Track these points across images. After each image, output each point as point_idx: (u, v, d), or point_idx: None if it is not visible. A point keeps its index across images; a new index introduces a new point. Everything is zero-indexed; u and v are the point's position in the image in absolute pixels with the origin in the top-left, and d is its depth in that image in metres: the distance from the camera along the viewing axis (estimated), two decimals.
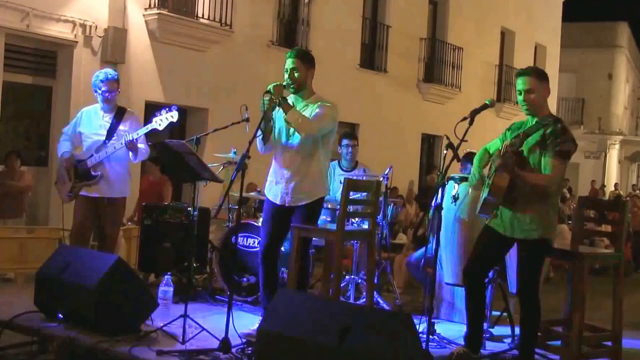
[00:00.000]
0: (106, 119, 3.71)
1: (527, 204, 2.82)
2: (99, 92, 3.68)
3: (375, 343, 2.25)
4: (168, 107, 3.56)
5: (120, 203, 3.74)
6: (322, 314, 2.44)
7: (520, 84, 2.87)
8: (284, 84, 3.08)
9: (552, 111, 3.02)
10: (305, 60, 3.14)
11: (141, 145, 3.64)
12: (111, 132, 3.65)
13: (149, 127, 3.55)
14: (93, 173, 3.63)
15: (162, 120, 3.51)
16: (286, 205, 3.16)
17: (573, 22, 16.14)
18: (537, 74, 2.88)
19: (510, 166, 2.78)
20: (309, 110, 3.13)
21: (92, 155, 3.65)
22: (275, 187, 3.20)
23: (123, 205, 3.79)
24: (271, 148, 3.21)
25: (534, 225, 2.82)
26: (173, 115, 3.51)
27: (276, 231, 3.23)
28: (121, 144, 3.57)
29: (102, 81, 3.66)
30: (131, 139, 3.53)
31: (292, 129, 3.09)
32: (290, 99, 3.19)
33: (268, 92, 2.99)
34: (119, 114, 3.71)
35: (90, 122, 3.73)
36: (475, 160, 3.07)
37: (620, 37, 18.24)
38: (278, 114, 3.16)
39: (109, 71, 3.76)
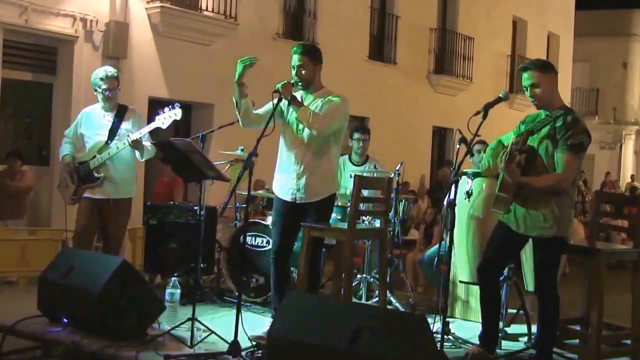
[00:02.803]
0: (108, 119, 3.64)
1: (540, 200, 2.74)
2: (99, 90, 3.61)
3: (388, 345, 2.19)
4: (171, 104, 3.50)
5: (126, 204, 3.68)
6: (333, 317, 2.38)
7: (524, 79, 2.80)
8: (292, 81, 3.00)
9: (566, 101, 2.92)
10: (312, 55, 3.07)
11: (146, 143, 3.58)
12: (113, 132, 3.59)
13: (153, 125, 3.49)
14: (96, 175, 3.57)
15: (166, 119, 3.46)
16: (297, 202, 3.09)
17: (586, 10, 15.82)
18: (540, 67, 2.79)
19: (514, 178, 2.69)
20: (318, 105, 3.07)
21: (94, 157, 3.58)
22: (284, 184, 3.14)
23: (129, 207, 3.72)
24: (248, 125, 3.12)
25: (548, 223, 2.74)
26: (177, 113, 3.46)
27: (288, 229, 3.17)
28: (124, 144, 3.51)
29: (101, 79, 3.59)
30: (136, 138, 3.47)
31: (302, 125, 3.02)
32: (299, 93, 3.12)
33: (277, 91, 2.91)
34: (121, 113, 3.64)
35: (92, 122, 3.67)
36: (488, 150, 3.01)
37: (635, 25, 17.88)
38: (288, 108, 3.08)
39: (108, 69, 3.69)
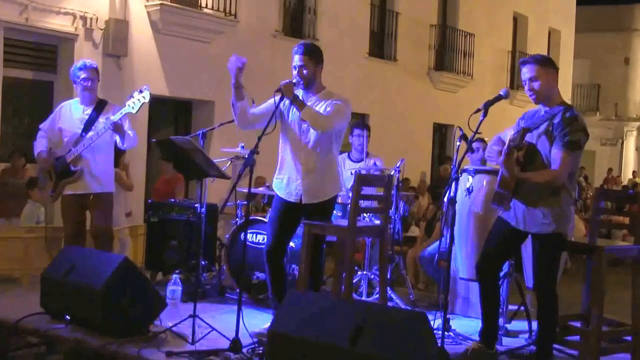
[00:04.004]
0: (86, 112, 3.56)
1: (540, 197, 2.74)
2: (78, 81, 3.53)
3: (389, 342, 2.20)
4: (140, 89, 3.44)
5: (108, 197, 3.60)
6: (334, 314, 2.39)
7: (524, 72, 2.79)
8: (293, 81, 3.01)
9: (566, 98, 2.92)
10: (313, 55, 3.07)
11: (129, 131, 3.51)
12: (89, 124, 3.51)
13: (123, 111, 3.43)
14: (72, 168, 3.48)
15: (135, 103, 3.41)
16: (302, 202, 3.10)
17: (587, 5, 15.75)
18: (541, 61, 2.78)
19: (512, 172, 2.69)
20: (321, 106, 3.07)
21: (70, 150, 3.50)
22: (288, 185, 3.13)
23: (111, 200, 3.65)
24: (246, 126, 3.11)
25: (548, 219, 2.74)
26: (145, 96, 3.40)
27: (285, 229, 3.16)
28: (103, 129, 3.42)
29: (80, 69, 3.52)
30: (116, 120, 3.39)
31: (305, 125, 3.03)
32: (299, 93, 3.12)
33: (279, 90, 2.92)
34: (100, 107, 3.56)
35: (70, 117, 3.59)
36: (488, 147, 3.02)
37: (637, 20, 17.78)
38: (289, 108, 3.08)
39: (87, 60, 3.66)
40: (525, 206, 2.78)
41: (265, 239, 3.84)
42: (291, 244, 3.53)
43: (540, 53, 4.36)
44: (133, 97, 3.42)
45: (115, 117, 3.42)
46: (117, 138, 3.51)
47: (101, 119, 3.52)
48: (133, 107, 3.41)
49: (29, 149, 6.06)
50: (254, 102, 3.17)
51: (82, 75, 3.51)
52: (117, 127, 3.42)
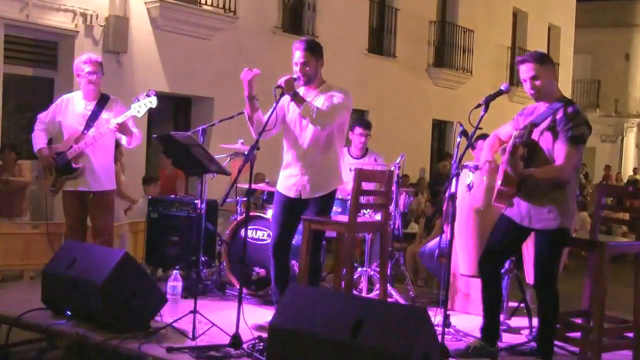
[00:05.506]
0: (88, 108, 3.52)
1: (544, 193, 2.73)
2: (83, 74, 3.47)
3: (389, 338, 2.20)
4: (147, 92, 3.41)
5: (108, 195, 3.58)
6: (334, 309, 2.39)
7: (522, 72, 2.77)
8: (294, 76, 3.00)
9: (567, 94, 2.91)
10: (315, 51, 3.06)
11: (135, 130, 3.49)
12: (91, 121, 3.46)
13: (128, 114, 3.39)
14: (74, 166, 3.46)
15: (141, 107, 3.37)
16: (302, 198, 3.10)
17: (588, 0, 15.72)
18: (538, 58, 2.76)
19: (517, 170, 2.69)
20: (321, 100, 3.06)
21: (71, 147, 3.46)
22: (289, 180, 3.14)
23: (112, 198, 3.64)
24: (264, 135, 3.07)
25: (553, 215, 2.73)
26: (152, 101, 3.37)
27: (288, 224, 3.17)
28: (106, 129, 3.39)
29: (85, 62, 3.47)
30: (121, 121, 3.35)
31: (305, 121, 3.03)
32: (301, 90, 3.11)
33: (279, 86, 2.91)
34: (102, 102, 3.51)
35: (72, 111, 3.54)
36: (486, 145, 3.00)
37: (637, 16, 17.73)
38: (290, 105, 3.08)
39: (92, 54, 3.62)
40: (529, 202, 2.77)
41: (265, 235, 3.86)
42: None
43: (539, 49, 4.37)
44: (139, 101, 3.38)
45: (119, 120, 3.40)
46: (124, 138, 3.49)
47: (103, 115, 3.49)
48: (139, 111, 3.38)
49: (29, 145, 6.06)
50: (257, 99, 3.16)
51: (87, 68, 3.46)
52: (122, 128, 3.40)
